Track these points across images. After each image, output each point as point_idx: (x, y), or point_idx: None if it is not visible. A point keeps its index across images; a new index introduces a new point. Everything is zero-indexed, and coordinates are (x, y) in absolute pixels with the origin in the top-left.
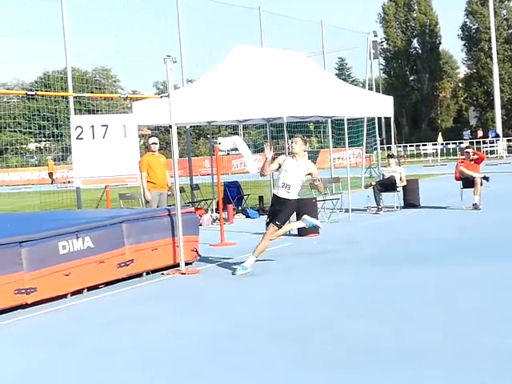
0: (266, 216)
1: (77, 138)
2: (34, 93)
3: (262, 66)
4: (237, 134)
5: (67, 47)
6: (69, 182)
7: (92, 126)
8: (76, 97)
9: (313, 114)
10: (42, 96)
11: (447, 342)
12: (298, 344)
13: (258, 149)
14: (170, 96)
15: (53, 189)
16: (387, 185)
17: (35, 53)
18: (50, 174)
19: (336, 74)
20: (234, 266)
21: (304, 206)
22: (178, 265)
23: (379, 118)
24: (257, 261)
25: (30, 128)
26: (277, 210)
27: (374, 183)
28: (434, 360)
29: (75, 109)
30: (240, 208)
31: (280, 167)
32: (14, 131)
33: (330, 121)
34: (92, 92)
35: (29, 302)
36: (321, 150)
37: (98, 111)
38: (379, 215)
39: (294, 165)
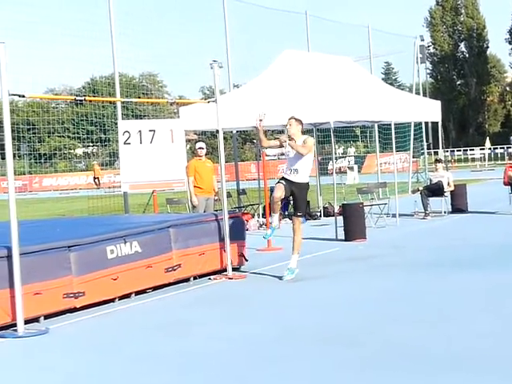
0: (312, 220)
1: (124, 143)
2: (82, 98)
3: (309, 71)
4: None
5: (115, 53)
6: (114, 186)
7: (139, 131)
8: (123, 102)
9: (360, 119)
10: (90, 101)
11: (498, 348)
12: (346, 349)
13: None
14: (217, 101)
15: (100, 193)
16: (435, 190)
17: (83, 59)
18: (96, 179)
19: (382, 79)
20: (281, 274)
21: (351, 211)
22: (225, 270)
23: (426, 123)
24: (304, 266)
25: (77, 133)
26: (295, 199)
27: (421, 188)
28: (485, 366)
29: (122, 114)
30: (286, 213)
31: (281, 146)
32: (62, 136)
33: (376, 125)
34: (139, 97)
35: (77, 306)
36: (367, 154)
37: (144, 116)
38: (427, 220)
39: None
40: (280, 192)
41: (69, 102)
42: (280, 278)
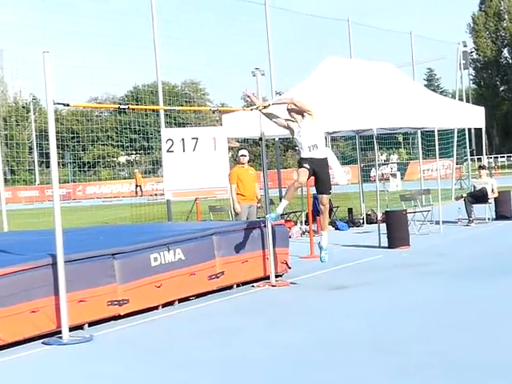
0: (354, 227)
1: (167, 151)
2: (126, 107)
3: (351, 78)
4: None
5: (158, 61)
6: (157, 194)
7: (182, 139)
8: (166, 110)
9: (403, 126)
10: (133, 110)
11: None
12: (392, 357)
13: (346, 160)
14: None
15: (143, 201)
16: (479, 196)
17: (126, 67)
18: (138, 187)
19: (425, 85)
20: (324, 282)
21: (394, 218)
22: (268, 277)
23: (469, 129)
24: (348, 273)
25: (120, 141)
26: (319, 179)
27: (465, 195)
28: None
29: (165, 122)
30: (329, 220)
31: (289, 128)
32: (105, 144)
33: (419, 132)
34: (181, 105)
35: (121, 314)
36: (410, 161)
37: (187, 124)
38: (470, 227)
39: (304, 126)
40: (305, 177)
41: (112, 110)
42: (321, 260)
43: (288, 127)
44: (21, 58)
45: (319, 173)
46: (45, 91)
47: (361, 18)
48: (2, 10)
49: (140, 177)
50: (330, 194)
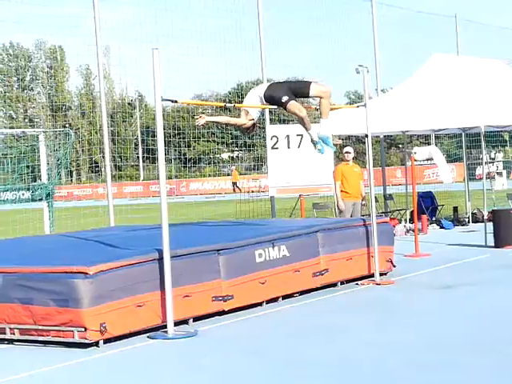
0: (460, 226)
1: (272, 148)
2: (232, 105)
3: (458, 75)
4: (428, 143)
5: (263, 58)
6: (259, 191)
7: (287, 136)
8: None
9: None
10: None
11: None
12: (499, 359)
13: (450, 159)
14: (367, 105)
15: (246, 198)
16: None
17: (231, 64)
18: (234, 184)
19: None
20: (430, 281)
21: (501, 217)
22: (372, 275)
23: None
24: (454, 272)
25: (223, 138)
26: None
27: None
28: None
29: (268, 119)
30: (434, 219)
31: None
32: (209, 141)
33: None
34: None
35: (226, 309)
36: None
37: (289, 121)
38: None
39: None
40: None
41: (215, 107)
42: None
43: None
44: (128, 55)
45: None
46: (153, 88)
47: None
48: (109, 7)
49: (237, 174)
50: (284, 102)
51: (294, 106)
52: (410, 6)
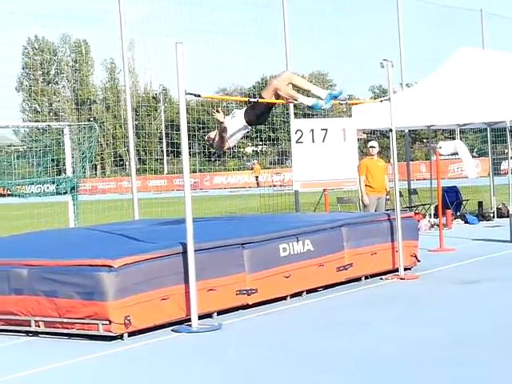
0: (484, 221)
1: (297, 142)
2: (256, 99)
3: (484, 69)
4: (453, 138)
5: (288, 53)
6: (283, 185)
7: (312, 130)
8: None
9: None
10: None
11: None
12: None
13: (475, 153)
14: (391, 100)
15: (270, 192)
16: None
17: (254, 58)
18: (256, 178)
19: None
20: (454, 275)
21: None
22: (396, 270)
23: None
24: (478, 267)
25: (247, 132)
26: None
27: None
28: None
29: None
30: (458, 213)
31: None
32: None
33: None
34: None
35: (249, 303)
36: None
37: (313, 115)
38: None
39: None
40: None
41: (239, 101)
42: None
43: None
44: (152, 49)
45: None
46: (177, 82)
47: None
48: (133, 1)
49: (258, 168)
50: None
51: (268, 90)
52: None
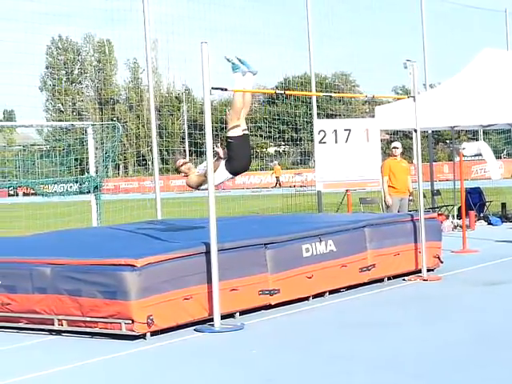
0: (508, 222)
1: (319, 142)
2: (282, 92)
3: (508, 70)
4: (476, 139)
5: (312, 53)
6: (305, 185)
7: (335, 130)
8: (317, 101)
9: None
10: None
11: None
12: None
13: (499, 154)
14: (415, 99)
15: (292, 192)
16: None
17: (279, 58)
18: (277, 178)
19: None
20: (476, 277)
21: None
22: (419, 271)
23: None
24: (501, 269)
25: (269, 132)
26: None
27: None
28: None
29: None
30: (482, 215)
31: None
32: (255, 135)
33: None
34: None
35: (272, 303)
36: None
37: (336, 116)
38: None
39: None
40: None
41: (262, 101)
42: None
43: None
44: (175, 49)
45: None
46: (202, 82)
47: None
48: (157, 0)
49: (279, 168)
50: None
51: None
52: (459, 0)
